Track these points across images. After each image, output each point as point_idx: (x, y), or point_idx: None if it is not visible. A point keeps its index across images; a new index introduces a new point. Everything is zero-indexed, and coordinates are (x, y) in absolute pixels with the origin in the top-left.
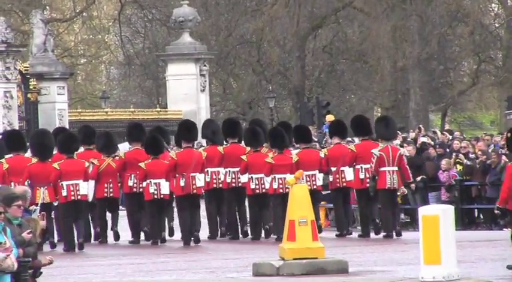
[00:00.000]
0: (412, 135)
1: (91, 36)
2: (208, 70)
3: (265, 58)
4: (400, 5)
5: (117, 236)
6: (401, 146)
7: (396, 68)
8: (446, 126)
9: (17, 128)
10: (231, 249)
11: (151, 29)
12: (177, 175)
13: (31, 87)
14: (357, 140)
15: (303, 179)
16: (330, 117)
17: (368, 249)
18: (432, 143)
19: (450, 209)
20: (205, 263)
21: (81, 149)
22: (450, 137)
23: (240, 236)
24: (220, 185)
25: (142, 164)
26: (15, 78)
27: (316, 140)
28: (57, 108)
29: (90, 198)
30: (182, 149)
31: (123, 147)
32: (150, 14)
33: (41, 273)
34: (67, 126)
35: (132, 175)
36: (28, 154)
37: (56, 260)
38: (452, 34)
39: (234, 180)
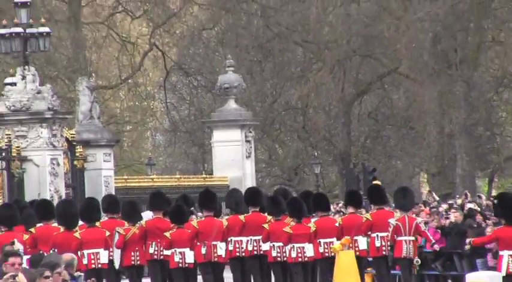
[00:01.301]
0: (459, 201)
1: (137, 103)
2: (254, 136)
3: (311, 124)
4: (446, 70)
5: None
6: (447, 212)
7: (442, 134)
8: (493, 192)
9: (63, 195)
10: None
11: (196, 96)
12: (198, 243)
13: (77, 154)
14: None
15: (350, 246)
16: (376, 184)
17: None
18: (479, 209)
19: (497, 276)
20: None
21: (105, 218)
22: None
23: None
24: (243, 254)
25: (167, 234)
26: (61, 146)
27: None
28: (103, 175)
29: (117, 266)
30: (204, 218)
31: (147, 216)
32: (196, 81)
33: None
34: (113, 193)
35: (153, 242)
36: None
37: None
38: (499, 99)
39: (255, 248)
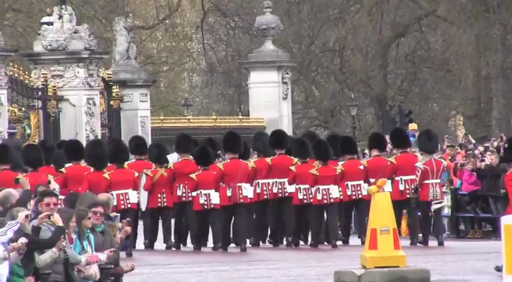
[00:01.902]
0: (495, 144)
1: (174, 43)
2: (291, 78)
3: (348, 66)
4: (484, 13)
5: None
6: (483, 155)
7: (479, 77)
8: None
9: (99, 135)
10: (313, 257)
11: (233, 37)
12: (223, 185)
13: (114, 94)
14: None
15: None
16: (412, 126)
17: (450, 258)
18: None
19: None
20: (286, 271)
21: (132, 160)
22: None
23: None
24: (269, 196)
25: (193, 175)
26: (98, 86)
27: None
28: (139, 116)
29: (143, 208)
30: (229, 160)
31: (173, 158)
32: (233, 22)
33: (122, 280)
34: (149, 134)
35: (181, 185)
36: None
37: (137, 267)
38: None
39: (280, 191)
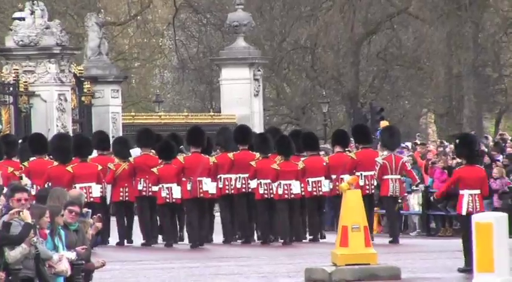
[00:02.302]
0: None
1: (145, 39)
2: (262, 75)
3: (319, 63)
4: (455, 11)
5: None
6: (453, 152)
7: (451, 75)
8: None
9: (70, 130)
10: (284, 254)
11: (205, 33)
12: (184, 179)
13: (85, 90)
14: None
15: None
16: (383, 123)
17: (421, 255)
18: (486, 150)
19: (504, 216)
20: (257, 268)
21: (95, 154)
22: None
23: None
24: (232, 191)
25: (154, 169)
26: (69, 81)
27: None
28: (110, 112)
29: (108, 202)
30: (190, 154)
31: (135, 153)
32: (205, 19)
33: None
34: (120, 130)
35: (142, 179)
36: None
37: (108, 263)
38: (508, 41)
39: (244, 186)
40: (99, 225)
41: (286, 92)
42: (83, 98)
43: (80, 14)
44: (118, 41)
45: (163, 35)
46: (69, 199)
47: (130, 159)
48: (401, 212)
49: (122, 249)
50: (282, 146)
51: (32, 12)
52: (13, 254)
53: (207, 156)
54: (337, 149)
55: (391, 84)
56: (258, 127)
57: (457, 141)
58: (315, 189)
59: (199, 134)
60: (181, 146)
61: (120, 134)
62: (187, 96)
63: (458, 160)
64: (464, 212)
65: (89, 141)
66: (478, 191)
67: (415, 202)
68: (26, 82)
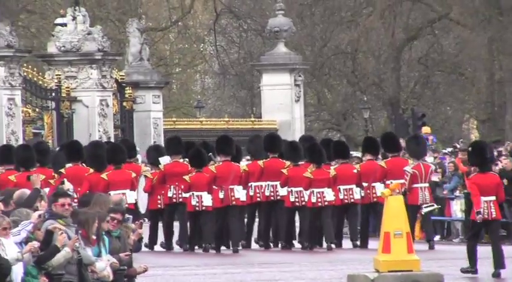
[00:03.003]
0: (508, 148)
1: (186, 45)
2: (303, 80)
3: (360, 69)
4: (497, 16)
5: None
6: (497, 158)
7: (492, 80)
8: None
9: (112, 136)
10: (326, 260)
11: (246, 39)
12: (215, 187)
13: (126, 95)
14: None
15: (399, 191)
16: (425, 129)
17: (463, 262)
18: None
19: None
20: (299, 274)
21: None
22: None
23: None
24: (261, 199)
25: (186, 177)
26: (111, 87)
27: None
28: (152, 117)
29: (143, 211)
30: (220, 162)
31: (164, 160)
32: (246, 24)
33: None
34: (162, 135)
35: (172, 186)
36: None
37: (150, 269)
38: None
39: (272, 194)
40: (141, 231)
41: (327, 98)
42: (124, 104)
43: (121, 20)
44: (159, 47)
45: (204, 40)
46: (112, 205)
47: (161, 166)
48: (444, 218)
49: (164, 255)
50: (314, 154)
51: (74, 18)
52: (56, 259)
53: (237, 164)
54: (368, 156)
55: (433, 90)
56: (298, 133)
57: (470, 149)
58: (346, 196)
59: (229, 142)
60: (210, 154)
61: (162, 139)
62: (228, 101)
63: (501, 166)
64: (479, 220)
65: (123, 149)
66: (493, 198)
67: (457, 208)
68: (68, 88)
